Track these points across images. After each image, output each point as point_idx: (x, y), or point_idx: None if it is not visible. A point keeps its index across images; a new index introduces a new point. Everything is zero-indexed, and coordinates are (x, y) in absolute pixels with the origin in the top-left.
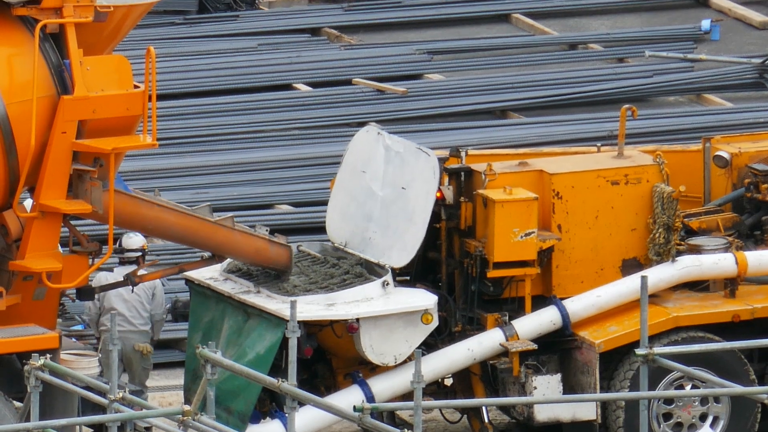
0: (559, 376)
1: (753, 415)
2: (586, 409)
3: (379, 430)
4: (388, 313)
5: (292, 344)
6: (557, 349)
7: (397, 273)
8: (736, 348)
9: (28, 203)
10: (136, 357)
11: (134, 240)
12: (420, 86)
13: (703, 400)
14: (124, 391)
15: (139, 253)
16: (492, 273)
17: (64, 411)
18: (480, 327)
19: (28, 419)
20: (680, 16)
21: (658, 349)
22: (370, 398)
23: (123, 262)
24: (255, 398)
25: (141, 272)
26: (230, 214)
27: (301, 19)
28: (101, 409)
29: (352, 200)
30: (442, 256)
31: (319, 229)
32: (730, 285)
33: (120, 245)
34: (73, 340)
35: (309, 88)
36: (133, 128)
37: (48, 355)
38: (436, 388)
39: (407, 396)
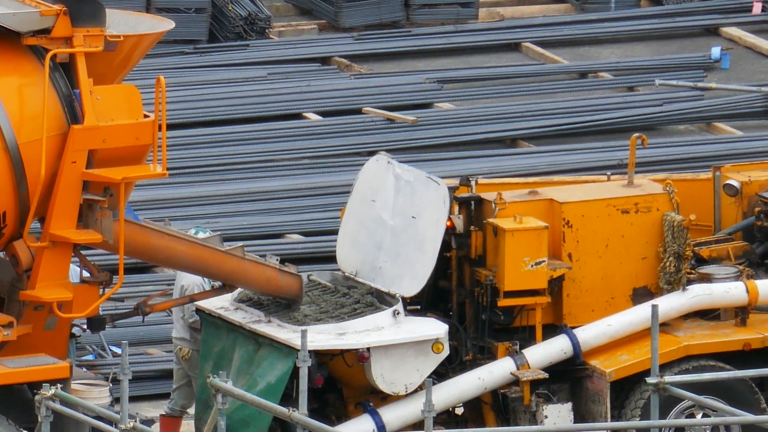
0: (569, 405)
1: None
2: None
3: None
4: (399, 343)
5: (303, 373)
6: (568, 378)
7: (407, 302)
8: (747, 377)
9: None
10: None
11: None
12: (430, 115)
13: (714, 428)
14: (135, 421)
15: None
16: (503, 302)
17: None
18: (491, 356)
19: None
20: (690, 44)
21: (668, 378)
22: (380, 427)
23: None
24: (266, 427)
25: (151, 302)
26: (240, 243)
27: (311, 49)
28: None
29: (362, 229)
30: (452, 285)
31: (330, 258)
32: (741, 313)
33: None
34: (84, 369)
35: (319, 118)
36: (143, 158)
37: (59, 385)
38: (447, 417)
39: (418, 425)
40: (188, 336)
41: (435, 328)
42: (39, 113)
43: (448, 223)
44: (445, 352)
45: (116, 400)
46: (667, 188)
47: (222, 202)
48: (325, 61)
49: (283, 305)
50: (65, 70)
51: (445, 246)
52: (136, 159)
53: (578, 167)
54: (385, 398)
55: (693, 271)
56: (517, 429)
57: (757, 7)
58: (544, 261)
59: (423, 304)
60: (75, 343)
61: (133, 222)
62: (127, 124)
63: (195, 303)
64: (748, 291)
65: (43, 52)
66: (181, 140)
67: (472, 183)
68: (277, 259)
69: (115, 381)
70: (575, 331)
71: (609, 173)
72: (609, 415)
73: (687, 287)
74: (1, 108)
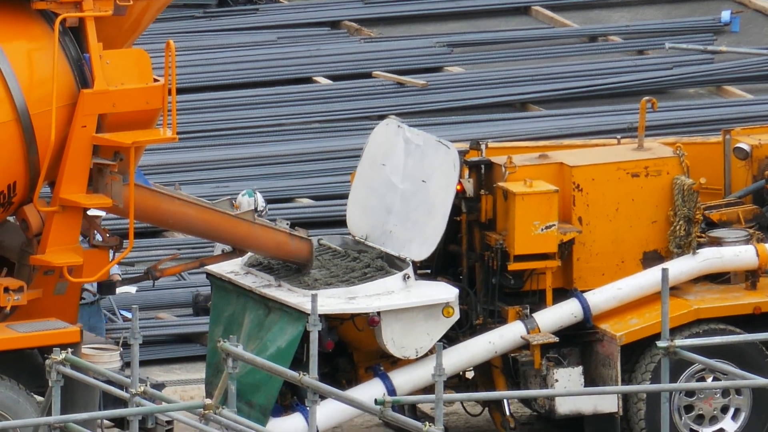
0: (580, 368)
1: None
2: (607, 402)
3: (401, 424)
4: (409, 307)
5: (314, 338)
6: (578, 342)
7: (417, 266)
8: (758, 340)
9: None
10: None
11: (259, 198)
12: (440, 79)
13: (725, 392)
14: (146, 385)
15: (266, 208)
16: (513, 266)
17: (86, 405)
18: (501, 320)
19: (49, 413)
20: (700, 8)
21: (679, 342)
22: (391, 391)
23: None
24: (276, 392)
25: (161, 267)
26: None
27: (321, 13)
28: (123, 403)
29: (372, 193)
30: (462, 249)
31: (340, 222)
32: (751, 277)
33: (254, 205)
34: (95, 334)
35: (329, 82)
36: (153, 122)
37: (69, 350)
38: (457, 381)
39: (428, 389)
40: None
41: (445, 292)
42: (49, 78)
43: (458, 187)
44: (456, 316)
45: (127, 365)
46: (677, 152)
47: (232, 167)
48: (334, 25)
49: (293, 269)
50: (75, 34)
51: (455, 210)
52: (146, 123)
53: (588, 131)
54: (396, 362)
55: (703, 235)
56: (528, 393)
57: None
58: (554, 225)
59: (433, 268)
60: (101, 310)
61: (143, 186)
62: (137, 89)
63: (205, 267)
64: (758, 254)
65: (52, 17)
66: (191, 104)
67: (482, 147)
68: (287, 224)
69: (126, 345)
70: (585, 294)
71: (619, 137)
72: (619, 379)
73: (697, 251)
74: (11, 72)
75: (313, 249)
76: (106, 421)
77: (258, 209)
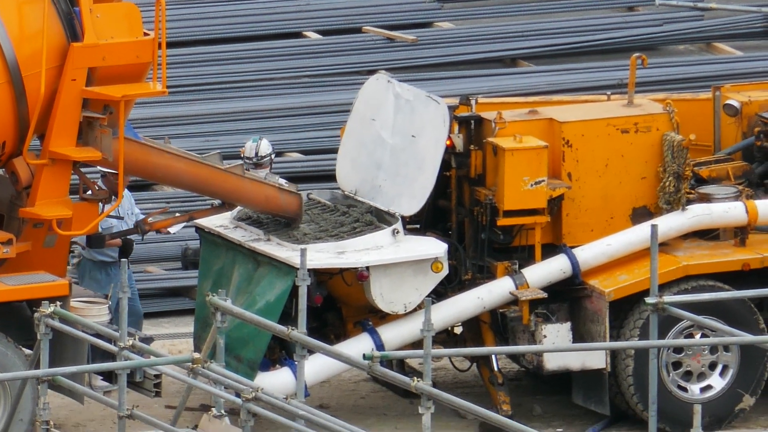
0: (568, 324)
1: (762, 364)
2: (595, 358)
3: (389, 379)
4: (398, 262)
5: (302, 292)
6: (567, 298)
7: (407, 221)
8: (746, 297)
9: None
10: None
11: (264, 144)
12: (430, 34)
13: (713, 349)
14: (134, 339)
15: (270, 156)
16: (502, 221)
17: (74, 358)
18: (490, 275)
19: (37, 367)
20: None
21: (668, 298)
22: (379, 346)
23: (257, 167)
24: (265, 346)
25: (150, 220)
26: (240, 161)
27: None
28: (111, 356)
29: (362, 148)
30: (452, 205)
31: (329, 177)
32: (740, 234)
33: (254, 151)
34: (83, 287)
35: (319, 36)
36: (143, 76)
37: (58, 303)
38: (445, 337)
39: (417, 344)
40: None
41: (434, 247)
42: (39, 31)
43: (448, 143)
44: (444, 271)
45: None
46: (667, 108)
47: (221, 121)
48: None
49: (282, 224)
50: None
51: (445, 165)
52: (136, 77)
53: (578, 87)
54: (384, 317)
55: (692, 191)
56: (516, 348)
57: None
58: (543, 180)
59: (422, 223)
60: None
61: (132, 140)
62: (126, 42)
63: (194, 221)
64: (747, 211)
65: None
66: (181, 59)
67: (472, 102)
68: (278, 178)
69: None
70: (574, 250)
71: (609, 93)
72: (608, 335)
73: (686, 207)
74: (1, 25)
75: (303, 203)
76: (94, 375)
77: (259, 155)
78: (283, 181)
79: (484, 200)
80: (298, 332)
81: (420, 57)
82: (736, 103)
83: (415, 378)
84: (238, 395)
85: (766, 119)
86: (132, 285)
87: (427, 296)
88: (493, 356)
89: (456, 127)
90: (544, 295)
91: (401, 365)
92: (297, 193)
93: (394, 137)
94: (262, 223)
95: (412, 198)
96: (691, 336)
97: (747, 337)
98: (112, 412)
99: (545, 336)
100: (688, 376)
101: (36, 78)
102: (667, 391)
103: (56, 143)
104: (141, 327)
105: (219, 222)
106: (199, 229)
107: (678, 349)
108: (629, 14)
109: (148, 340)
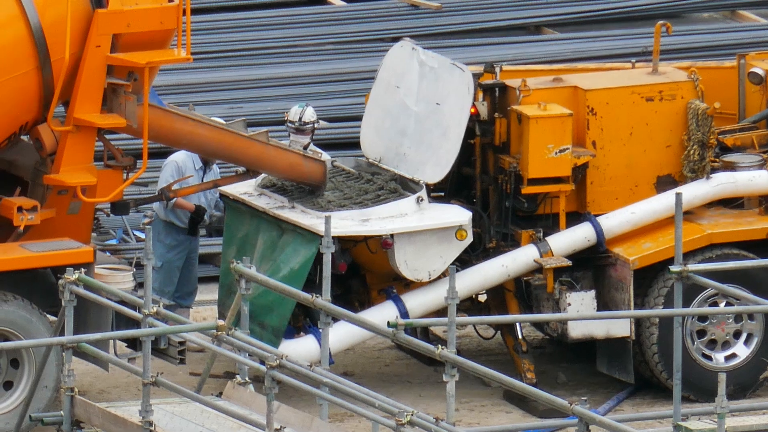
0: (593, 292)
1: None
2: (619, 326)
3: (413, 346)
4: (423, 229)
5: (327, 259)
6: (591, 266)
7: (431, 189)
8: None
9: None
10: None
11: (309, 111)
12: (454, 1)
13: (737, 317)
14: (159, 306)
15: (313, 124)
16: (526, 189)
17: (98, 325)
18: (514, 243)
19: (62, 333)
20: None
21: (692, 266)
22: (404, 314)
23: (299, 132)
24: (289, 313)
25: (175, 187)
26: (264, 128)
27: None
28: (135, 323)
29: (386, 115)
30: (476, 173)
31: (354, 144)
32: (764, 202)
33: (298, 116)
34: (108, 254)
35: (344, 3)
36: (168, 42)
37: (82, 269)
38: (470, 305)
39: (441, 312)
40: None
41: (458, 215)
42: None
43: (472, 110)
44: (469, 239)
45: (140, 285)
46: (692, 76)
47: (246, 87)
48: None
49: (306, 191)
50: None
51: (469, 133)
52: (161, 43)
53: (602, 54)
54: (408, 285)
55: (717, 160)
56: (540, 316)
57: None
58: (568, 148)
59: (446, 191)
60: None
61: (157, 106)
62: (151, 9)
63: (219, 189)
64: None
65: None
66: (206, 25)
67: (497, 70)
68: (304, 144)
69: (139, 266)
70: (599, 218)
71: (633, 61)
72: (632, 303)
73: (711, 175)
74: None
75: (327, 171)
76: (119, 342)
77: (303, 120)
78: (319, 151)
79: (509, 168)
80: (323, 299)
81: (444, 24)
82: (760, 71)
83: (440, 345)
84: (262, 362)
85: None
86: (194, 253)
87: (451, 264)
88: (518, 324)
89: (480, 95)
90: (569, 263)
91: (425, 333)
92: (321, 160)
93: (418, 104)
94: (287, 190)
95: (437, 165)
96: (715, 304)
97: None
98: (137, 379)
99: (569, 304)
100: (712, 344)
101: (60, 44)
102: (692, 360)
103: (81, 110)
104: (194, 297)
105: (243, 189)
106: (223, 196)
107: (702, 318)
108: None
109: (172, 307)
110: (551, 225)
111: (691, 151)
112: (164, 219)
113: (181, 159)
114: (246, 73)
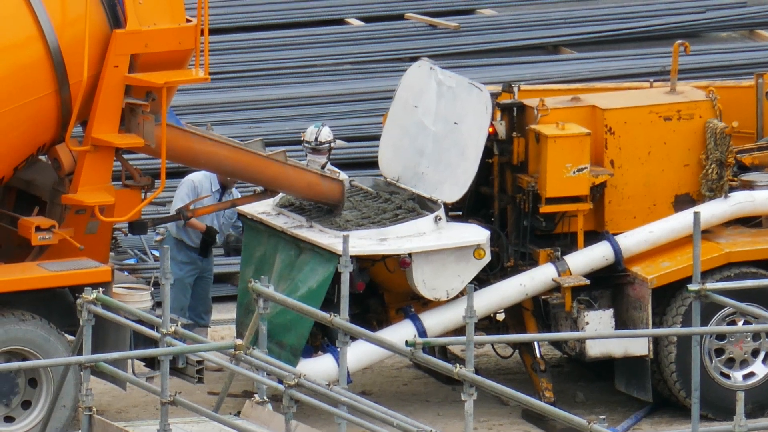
0: (611, 311)
1: None
2: (638, 345)
3: (431, 365)
4: (441, 248)
5: (345, 279)
6: (609, 285)
7: (449, 208)
8: None
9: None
10: None
11: (326, 131)
12: (472, 21)
13: (756, 335)
14: (177, 325)
15: (329, 144)
16: (544, 208)
17: (116, 344)
18: (532, 262)
19: (80, 353)
20: None
21: (710, 285)
22: (422, 333)
23: (315, 152)
24: (307, 332)
25: (192, 207)
26: (282, 148)
27: None
28: (153, 342)
29: (404, 135)
30: (494, 192)
31: (372, 164)
32: None
33: (314, 136)
34: (126, 273)
35: (361, 23)
36: (186, 62)
37: (100, 289)
38: (488, 323)
39: (459, 331)
40: None
41: (476, 234)
42: (81, 17)
43: (490, 129)
44: (487, 258)
45: (158, 304)
46: (710, 95)
47: (264, 107)
48: None
49: (324, 210)
50: None
51: (487, 152)
52: (179, 63)
53: (621, 74)
54: (426, 304)
55: (735, 178)
56: (559, 335)
57: None
58: (586, 167)
59: (464, 210)
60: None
61: (174, 126)
62: (169, 29)
63: (237, 208)
64: None
65: None
66: (224, 45)
67: (515, 89)
68: (322, 164)
69: (157, 285)
70: (617, 237)
71: (652, 80)
72: (650, 322)
73: (729, 194)
74: (43, 11)
75: (345, 190)
76: (137, 361)
77: (319, 140)
78: (337, 170)
79: (527, 187)
80: (341, 319)
81: (462, 44)
82: None
83: (458, 364)
84: (280, 382)
85: None
86: (208, 273)
87: (469, 283)
88: (536, 343)
89: (498, 114)
90: (587, 281)
91: (443, 352)
92: (339, 180)
93: (436, 124)
94: (305, 209)
95: (455, 185)
96: (733, 323)
97: None
98: (155, 398)
99: (588, 323)
100: (730, 362)
101: (78, 64)
102: (710, 378)
103: (99, 130)
104: (209, 316)
105: (261, 209)
106: (241, 216)
107: (720, 336)
108: (672, 1)
109: (190, 326)
110: (569, 244)
111: (710, 170)
112: (176, 236)
113: (198, 179)
114: (264, 93)
